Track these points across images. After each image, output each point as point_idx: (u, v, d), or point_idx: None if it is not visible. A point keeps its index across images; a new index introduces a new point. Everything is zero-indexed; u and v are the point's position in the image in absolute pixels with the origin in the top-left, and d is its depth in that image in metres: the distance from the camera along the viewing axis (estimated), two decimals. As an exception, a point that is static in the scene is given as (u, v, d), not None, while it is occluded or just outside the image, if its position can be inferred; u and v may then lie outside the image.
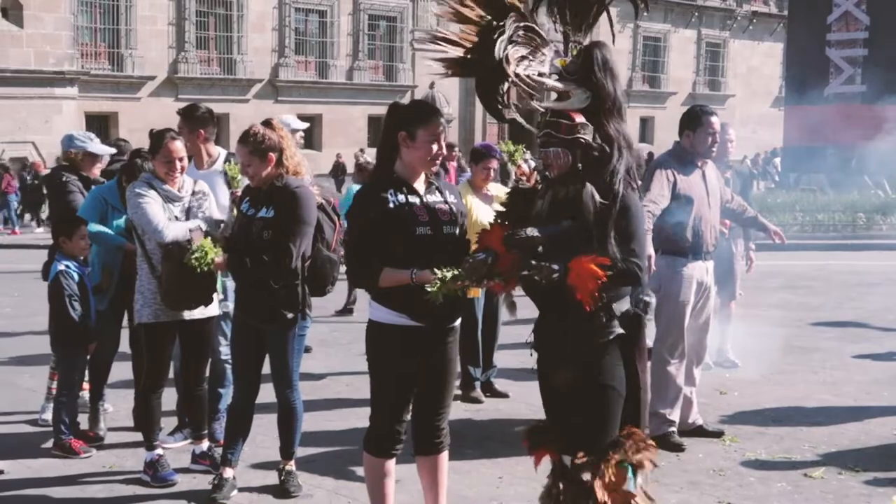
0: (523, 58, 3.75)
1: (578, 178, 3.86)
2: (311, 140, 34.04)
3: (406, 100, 31.05)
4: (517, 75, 3.78)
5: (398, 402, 4.26)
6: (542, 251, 3.87)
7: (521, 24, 3.78)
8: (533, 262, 3.94)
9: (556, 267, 3.89)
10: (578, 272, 3.83)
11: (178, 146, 5.45)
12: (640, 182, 3.91)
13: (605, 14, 4.03)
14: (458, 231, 4.31)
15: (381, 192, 4.19)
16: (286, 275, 5.03)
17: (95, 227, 6.13)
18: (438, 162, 4.31)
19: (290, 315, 5.09)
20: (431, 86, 33.57)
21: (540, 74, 3.78)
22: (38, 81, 26.48)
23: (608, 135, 3.74)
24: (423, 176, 4.32)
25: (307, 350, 8.72)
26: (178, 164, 5.45)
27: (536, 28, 3.78)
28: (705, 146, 6.23)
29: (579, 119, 3.81)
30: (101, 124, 29.71)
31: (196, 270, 5.10)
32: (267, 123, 5.19)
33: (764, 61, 46.45)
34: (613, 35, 4.15)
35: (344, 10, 34.40)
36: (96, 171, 6.85)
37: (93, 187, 6.65)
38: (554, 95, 4.00)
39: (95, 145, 6.78)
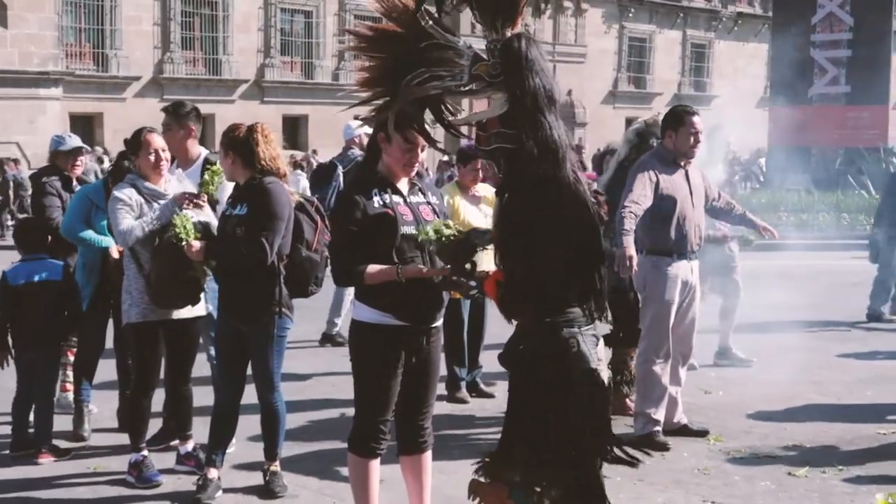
0: (432, 77, 3.59)
1: (501, 188, 3.73)
2: (297, 140, 34.01)
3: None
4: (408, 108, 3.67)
5: (382, 401, 4.26)
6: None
7: (426, 44, 3.60)
8: (454, 277, 3.94)
9: (473, 283, 3.89)
10: (487, 286, 3.79)
11: (156, 137, 5.48)
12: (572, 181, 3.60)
13: (582, 11, 3.81)
14: None
15: (365, 192, 4.20)
16: (262, 270, 5.03)
17: (85, 233, 6.12)
18: (415, 168, 4.32)
19: (266, 316, 5.09)
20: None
21: (458, 87, 3.60)
22: (23, 82, 26.35)
23: (520, 137, 3.53)
24: (406, 176, 4.33)
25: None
26: (162, 156, 5.45)
27: (444, 42, 3.61)
28: (687, 146, 6.25)
29: (493, 128, 3.63)
30: (85, 125, 29.58)
31: (175, 245, 5.08)
32: (251, 127, 5.18)
33: (749, 62, 46.57)
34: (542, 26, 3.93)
35: (330, 10, 34.34)
36: (77, 170, 6.84)
37: (78, 187, 6.63)
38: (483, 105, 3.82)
39: (68, 142, 6.80)
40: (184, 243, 5.07)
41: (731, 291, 8.65)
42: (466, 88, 3.62)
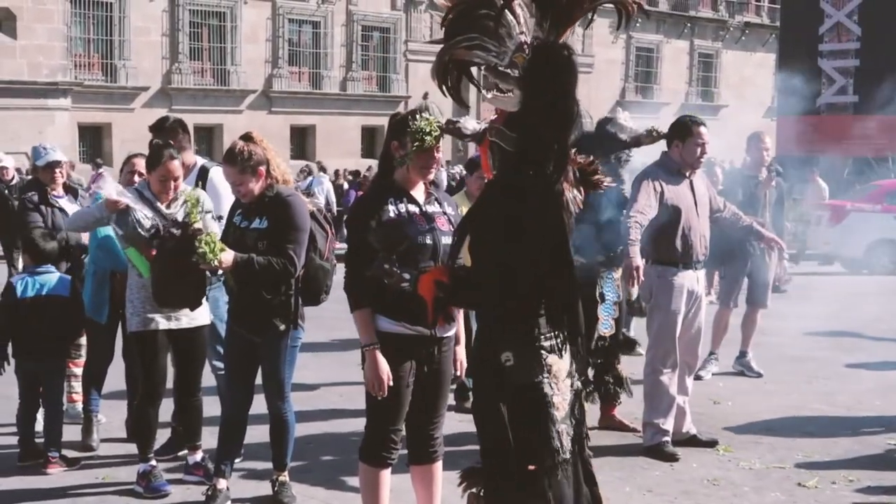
0: (480, 46, 3.59)
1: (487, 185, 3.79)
2: (305, 150, 34.06)
3: (399, 109, 30.99)
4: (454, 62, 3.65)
5: (393, 410, 4.26)
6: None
7: (485, 12, 3.59)
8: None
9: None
10: (422, 283, 3.82)
11: (176, 166, 5.44)
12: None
13: (589, 21, 3.78)
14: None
15: (381, 200, 4.20)
16: (288, 282, 5.04)
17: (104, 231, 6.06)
18: (433, 172, 4.32)
19: (282, 326, 5.09)
20: (425, 96, 33.50)
21: (496, 66, 3.60)
22: (32, 92, 26.43)
23: (516, 142, 3.54)
24: (421, 186, 4.33)
25: None
26: (173, 184, 5.44)
27: (500, 17, 3.59)
28: (694, 157, 6.25)
29: (499, 123, 3.65)
30: (94, 135, 29.73)
31: (200, 264, 4.97)
32: (247, 138, 5.17)
33: (756, 72, 46.55)
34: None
35: (337, 21, 34.43)
36: (58, 181, 6.64)
37: (62, 198, 6.51)
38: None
39: (43, 156, 6.63)
40: (215, 263, 4.98)
41: (761, 299, 8.67)
42: (503, 70, 3.59)
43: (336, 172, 27.46)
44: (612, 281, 6.51)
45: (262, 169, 5.07)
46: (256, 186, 5.07)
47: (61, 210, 6.50)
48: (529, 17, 3.62)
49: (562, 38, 3.49)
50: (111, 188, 5.43)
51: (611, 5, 3.63)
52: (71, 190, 6.81)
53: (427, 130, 4.17)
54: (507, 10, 3.59)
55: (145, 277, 5.27)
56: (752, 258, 8.46)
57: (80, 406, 6.61)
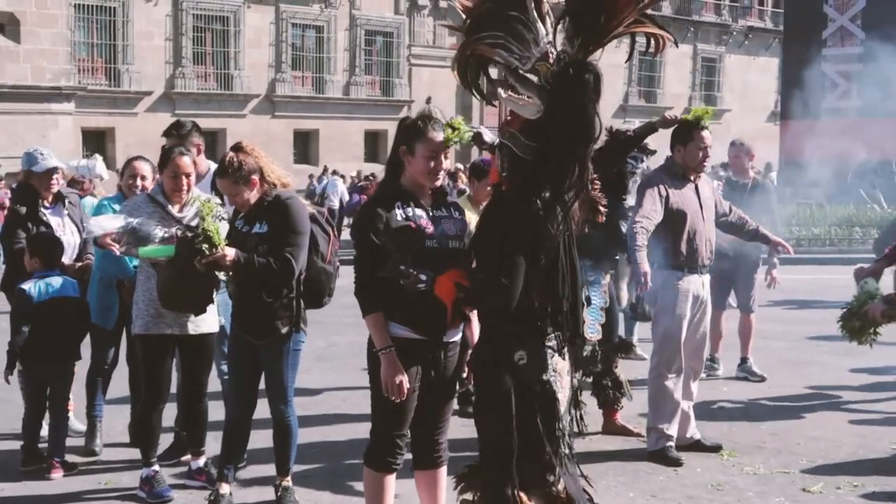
0: (504, 47, 3.61)
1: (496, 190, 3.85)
2: (308, 155, 34.10)
3: (403, 114, 31.01)
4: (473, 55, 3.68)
5: (399, 415, 4.25)
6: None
7: (513, 14, 3.61)
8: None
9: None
10: (440, 285, 3.90)
11: (186, 162, 5.46)
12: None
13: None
14: (462, 246, 4.30)
15: (388, 205, 4.19)
16: (288, 286, 5.03)
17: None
18: (440, 176, 4.31)
19: (284, 329, 5.09)
20: (428, 100, 33.60)
21: (517, 69, 3.61)
22: (35, 97, 26.45)
23: (531, 151, 3.62)
24: (429, 190, 4.32)
25: None
26: (185, 181, 5.44)
27: (529, 21, 3.61)
28: (696, 160, 6.24)
29: (513, 127, 3.69)
30: (97, 140, 29.76)
31: (203, 254, 4.91)
32: (237, 148, 5.16)
33: (760, 76, 46.60)
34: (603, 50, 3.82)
35: (341, 25, 34.50)
36: (53, 189, 6.37)
37: (48, 210, 6.36)
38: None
39: (41, 162, 6.32)
40: (218, 251, 4.94)
41: (746, 305, 8.64)
42: (524, 74, 3.61)
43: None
44: (599, 286, 6.50)
45: (255, 178, 5.08)
46: (251, 195, 5.10)
47: (47, 226, 6.34)
48: (551, 27, 3.65)
49: (589, 56, 3.55)
50: (97, 229, 5.51)
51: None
52: (59, 198, 6.51)
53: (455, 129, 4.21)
54: (537, 16, 3.62)
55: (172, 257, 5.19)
56: (729, 260, 8.39)
57: (71, 413, 6.51)
